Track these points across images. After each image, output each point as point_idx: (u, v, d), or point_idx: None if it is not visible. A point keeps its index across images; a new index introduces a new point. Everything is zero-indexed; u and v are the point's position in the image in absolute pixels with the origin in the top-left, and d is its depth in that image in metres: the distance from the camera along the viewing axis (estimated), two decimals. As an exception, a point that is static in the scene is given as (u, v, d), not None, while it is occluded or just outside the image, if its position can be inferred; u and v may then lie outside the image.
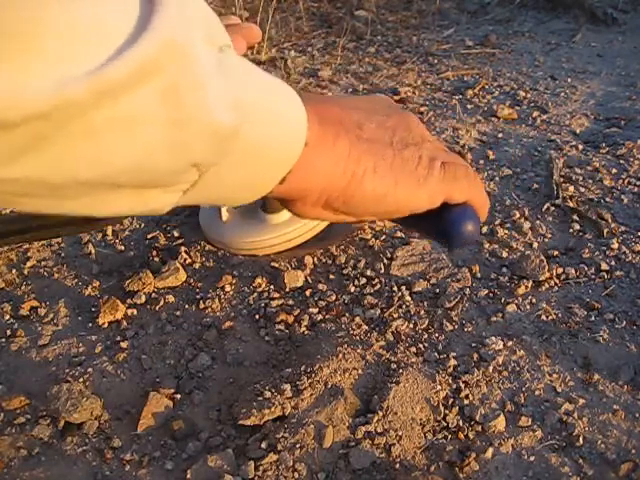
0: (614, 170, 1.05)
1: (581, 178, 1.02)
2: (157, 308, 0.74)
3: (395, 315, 0.73)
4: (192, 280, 0.78)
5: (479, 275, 0.80)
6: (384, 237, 0.87)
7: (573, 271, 0.80)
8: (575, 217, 0.91)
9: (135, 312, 0.73)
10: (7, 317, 0.72)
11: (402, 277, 0.80)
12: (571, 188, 0.98)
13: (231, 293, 0.76)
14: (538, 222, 0.90)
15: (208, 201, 0.28)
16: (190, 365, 0.66)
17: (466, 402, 0.62)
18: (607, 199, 0.96)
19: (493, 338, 0.70)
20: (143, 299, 0.75)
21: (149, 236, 0.86)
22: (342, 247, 0.85)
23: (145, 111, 0.21)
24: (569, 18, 1.95)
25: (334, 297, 0.76)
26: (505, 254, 0.84)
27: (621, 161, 1.08)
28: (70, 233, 0.79)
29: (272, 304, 0.74)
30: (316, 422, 0.58)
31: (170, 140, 0.22)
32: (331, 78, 1.47)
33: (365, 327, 0.71)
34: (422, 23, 1.88)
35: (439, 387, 0.63)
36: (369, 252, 0.84)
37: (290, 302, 0.75)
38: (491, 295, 0.77)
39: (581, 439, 0.58)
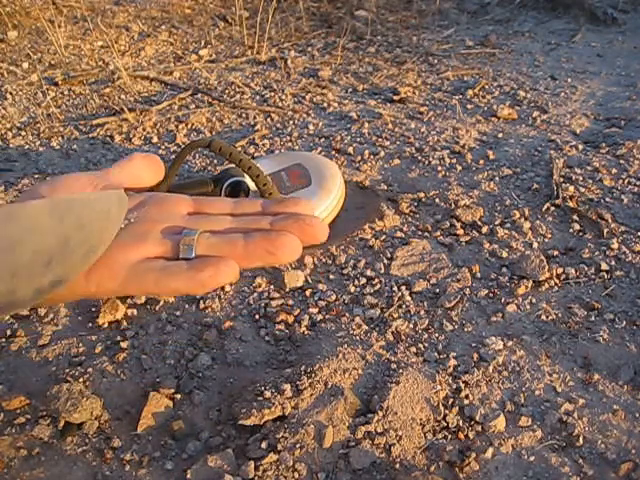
0: (614, 170, 1.05)
1: (581, 178, 1.02)
2: (157, 308, 0.74)
3: (395, 315, 0.73)
4: (192, 280, 0.78)
5: (479, 275, 0.80)
6: (384, 237, 0.87)
7: (573, 271, 0.80)
8: (575, 217, 0.91)
9: (135, 312, 0.73)
10: (7, 317, 0.72)
11: (402, 277, 0.80)
12: (571, 188, 0.98)
13: (231, 293, 0.76)
14: (538, 222, 0.90)
15: None
16: (190, 365, 0.66)
17: (466, 402, 0.62)
18: (607, 199, 0.96)
19: (493, 338, 0.70)
20: (143, 299, 0.75)
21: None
22: (342, 247, 0.85)
23: None
24: (569, 18, 1.95)
25: (334, 297, 0.76)
26: (505, 254, 0.83)
27: (621, 161, 1.08)
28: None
29: (272, 304, 0.74)
30: (316, 422, 0.58)
31: None
32: (331, 78, 1.47)
33: (365, 327, 0.71)
34: (422, 23, 1.88)
35: (439, 387, 0.63)
36: (369, 252, 0.84)
37: (290, 302, 0.75)
38: (491, 295, 0.77)
39: (581, 439, 0.58)
